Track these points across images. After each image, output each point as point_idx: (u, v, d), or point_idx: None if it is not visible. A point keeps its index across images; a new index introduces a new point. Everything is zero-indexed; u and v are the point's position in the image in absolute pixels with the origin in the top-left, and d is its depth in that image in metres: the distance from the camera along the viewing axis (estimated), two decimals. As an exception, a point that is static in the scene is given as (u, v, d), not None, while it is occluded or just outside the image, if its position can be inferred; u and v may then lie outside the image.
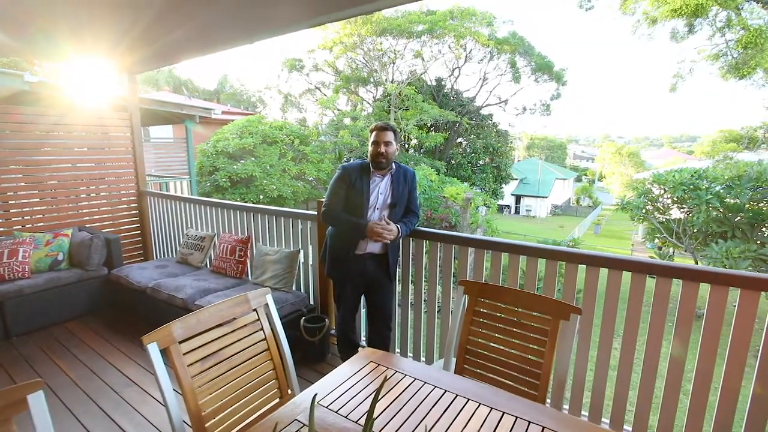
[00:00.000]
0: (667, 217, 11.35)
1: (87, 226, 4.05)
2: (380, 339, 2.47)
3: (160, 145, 9.88)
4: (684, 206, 10.68)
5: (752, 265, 9.30)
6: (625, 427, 1.98)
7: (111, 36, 3.03)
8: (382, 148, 2.18)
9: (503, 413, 1.16)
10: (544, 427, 1.10)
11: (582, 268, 1.97)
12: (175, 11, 2.48)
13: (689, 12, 6.66)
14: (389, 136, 2.20)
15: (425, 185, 11.67)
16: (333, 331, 3.03)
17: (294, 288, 3.07)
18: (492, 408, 1.18)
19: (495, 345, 1.59)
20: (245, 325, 1.48)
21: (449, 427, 1.11)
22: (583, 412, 2.10)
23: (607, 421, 2.01)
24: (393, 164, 2.30)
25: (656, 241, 12.66)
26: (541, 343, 1.48)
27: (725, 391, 1.65)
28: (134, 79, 4.26)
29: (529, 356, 1.51)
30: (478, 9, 15.44)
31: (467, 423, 1.13)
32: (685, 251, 11.28)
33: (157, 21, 2.65)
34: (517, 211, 29.78)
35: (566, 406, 2.07)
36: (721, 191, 10.27)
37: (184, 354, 1.27)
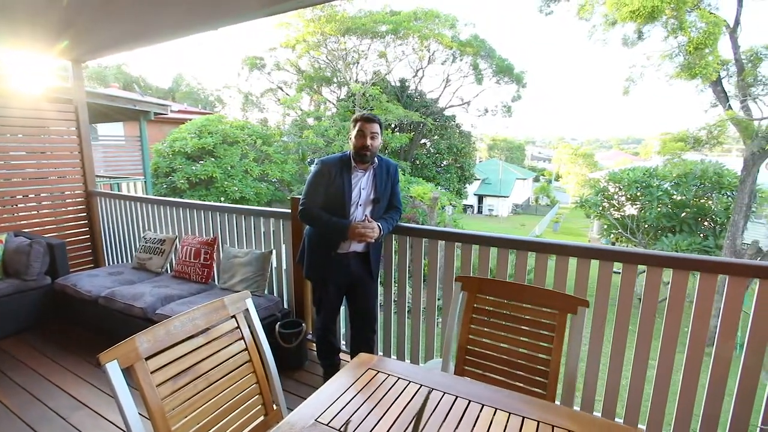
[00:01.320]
0: (622, 214, 11.95)
1: (26, 231, 3.61)
2: (364, 342, 2.33)
3: (110, 144, 9.16)
4: (637, 203, 11.28)
5: (698, 257, 9.91)
6: (616, 419, 1.97)
7: (53, 16, 2.69)
8: (368, 141, 2.04)
9: (523, 417, 1.05)
10: (569, 430, 1.01)
11: (573, 262, 1.94)
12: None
13: (646, 14, 7.07)
14: (376, 127, 2.06)
15: (393, 185, 11.61)
16: (310, 336, 2.86)
17: (266, 292, 2.87)
18: (510, 413, 1.07)
19: (497, 343, 1.50)
20: (223, 334, 1.30)
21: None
22: (574, 407, 2.06)
23: (599, 414, 1.99)
24: (375, 158, 2.16)
25: (611, 236, 13.29)
26: (547, 339, 1.40)
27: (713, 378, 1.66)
28: (80, 70, 3.86)
29: (535, 354, 1.42)
30: (441, 11, 15.62)
31: (488, 430, 1.02)
32: (638, 245, 11.93)
33: (106, 5, 2.37)
34: (480, 211, 30.45)
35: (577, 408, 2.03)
36: (669, 188, 10.95)
37: (152, 372, 1.07)
